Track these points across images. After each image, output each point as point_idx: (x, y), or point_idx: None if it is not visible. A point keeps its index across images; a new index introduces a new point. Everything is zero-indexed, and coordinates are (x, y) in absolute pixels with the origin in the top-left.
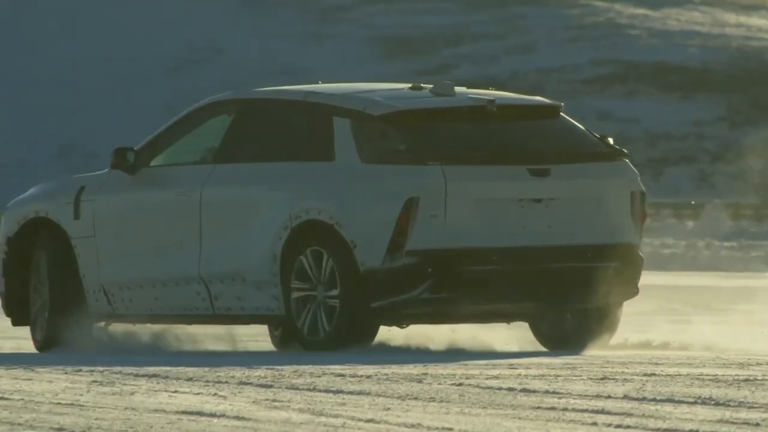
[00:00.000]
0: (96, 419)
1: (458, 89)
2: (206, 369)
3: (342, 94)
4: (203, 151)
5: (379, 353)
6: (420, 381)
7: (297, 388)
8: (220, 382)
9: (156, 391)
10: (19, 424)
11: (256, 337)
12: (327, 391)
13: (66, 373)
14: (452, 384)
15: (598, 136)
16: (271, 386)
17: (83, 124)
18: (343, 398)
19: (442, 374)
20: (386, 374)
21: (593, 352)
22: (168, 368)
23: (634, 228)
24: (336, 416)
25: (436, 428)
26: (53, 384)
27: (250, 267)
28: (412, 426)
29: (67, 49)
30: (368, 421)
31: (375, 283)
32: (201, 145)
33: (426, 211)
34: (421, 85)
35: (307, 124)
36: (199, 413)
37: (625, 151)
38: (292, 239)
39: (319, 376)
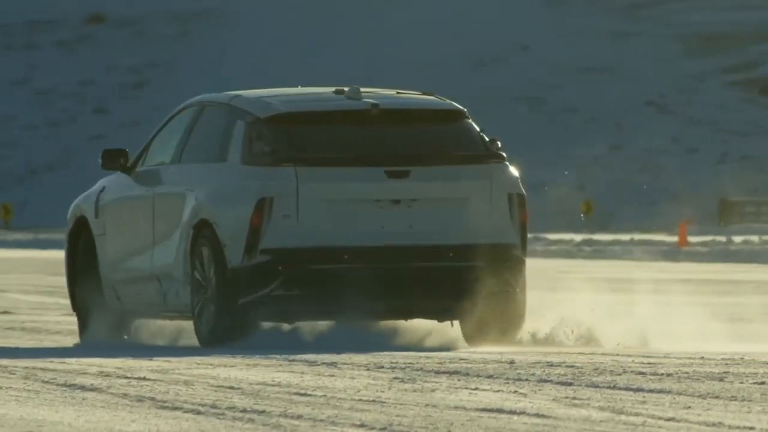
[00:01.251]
0: (397, 416)
1: (387, 93)
2: (506, 366)
3: (251, 97)
4: (173, 153)
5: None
6: (721, 379)
7: (597, 386)
8: (520, 379)
9: (456, 388)
10: (321, 420)
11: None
12: (627, 389)
13: (368, 369)
14: (754, 383)
15: (487, 139)
16: (571, 384)
17: None
18: (644, 396)
19: (744, 373)
20: (687, 372)
21: None
22: (468, 365)
23: (510, 229)
24: (636, 414)
25: (738, 427)
26: (355, 380)
27: (174, 265)
28: (713, 425)
29: (375, 47)
30: (668, 419)
31: (238, 281)
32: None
33: (279, 211)
34: (344, 89)
35: (223, 126)
36: (499, 410)
37: (504, 155)
38: (194, 238)
39: (620, 374)
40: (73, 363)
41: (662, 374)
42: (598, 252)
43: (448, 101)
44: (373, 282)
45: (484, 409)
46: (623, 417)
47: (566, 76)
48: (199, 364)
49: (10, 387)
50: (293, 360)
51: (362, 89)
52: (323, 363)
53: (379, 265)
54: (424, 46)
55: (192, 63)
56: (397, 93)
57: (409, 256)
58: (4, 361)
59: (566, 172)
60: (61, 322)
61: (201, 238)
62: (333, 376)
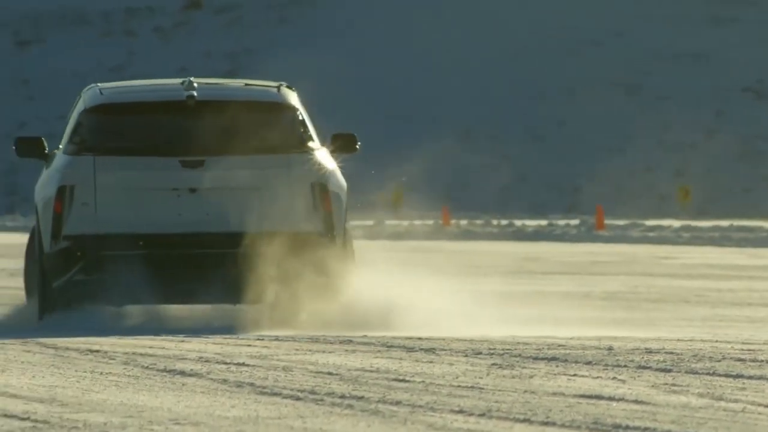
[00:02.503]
0: (495, 402)
1: (227, 83)
2: (605, 352)
3: (100, 88)
4: None
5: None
6: None
7: (696, 373)
8: (618, 365)
9: (555, 374)
10: (420, 407)
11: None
12: (726, 375)
13: (466, 356)
14: None
15: (309, 132)
16: (670, 370)
17: (485, 108)
18: (743, 383)
19: None
20: None
21: None
22: (567, 351)
23: (312, 217)
24: (735, 401)
25: None
26: (453, 367)
27: None
28: None
29: (470, 29)
30: None
31: (48, 265)
32: None
33: (79, 199)
34: (191, 80)
35: (71, 116)
36: (598, 397)
37: (313, 147)
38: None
39: (719, 361)
40: (173, 348)
41: (762, 361)
42: (696, 238)
43: (280, 94)
44: (166, 267)
45: (582, 396)
46: (722, 403)
47: (663, 61)
48: (297, 350)
49: (110, 372)
50: (391, 346)
51: (208, 80)
52: (421, 349)
53: (173, 251)
54: (519, 31)
55: (288, 50)
56: (246, 85)
57: (203, 242)
58: (105, 347)
59: (661, 158)
60: None
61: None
62: (431, 362)
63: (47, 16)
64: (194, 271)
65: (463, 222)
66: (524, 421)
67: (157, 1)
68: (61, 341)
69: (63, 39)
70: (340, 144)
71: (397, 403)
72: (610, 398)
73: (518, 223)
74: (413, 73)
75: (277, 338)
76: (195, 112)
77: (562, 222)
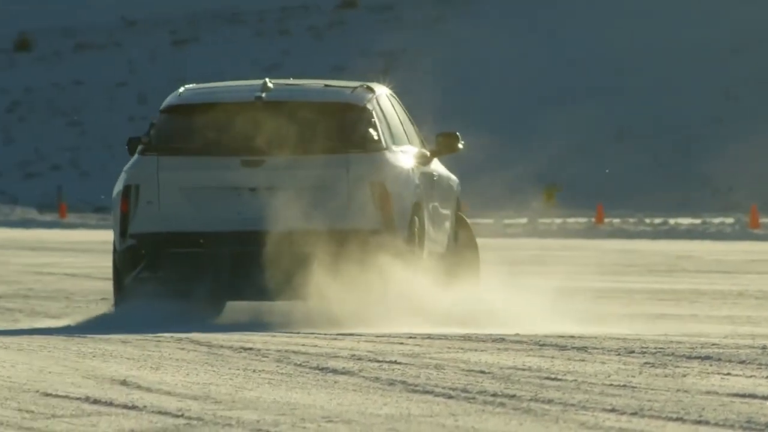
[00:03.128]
0: (648, 401)
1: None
2: (759, 351)
3: (185, 87)
4: None
5: None
6: None
7: None
8: None
9: (708, 373)
10: (572, 405)
11: None
12: None
13: (618, 354)
14: None
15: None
16: None
17: (639, 107)
18: None
19: None
20: None
21: None
22: (720, 351)
23: (370, 216)
24: None
25: None
26: (606, 365)
27: None
28: None
29: (630, 29)
30: None
31: (118, 262)
32: None
33: (144, 198)
34: (267, 81)
35: None
36: (752, 396)
37: (377, 146)
38: None
39: None
40: (325, 346)
41: None
42: None
43: (353, 95)
44: (226, 265)
45: (736, 395)
46: None
47: None
48: (449, 348)
49: (263, 370)
50: (543, 344)
51: (289, 81)
52: (573, 347)
53: (233, 248)
54: (677, 30)
55: (443, 48)
56: (325, 86)
57: (261, 240)
58: (258, 345)
59: None
60: None
61: None
62: (583, 360)
63: (203, 15)
64: (252, 268)
65: (617, 220)
66: (677, 420)
67: (312, 0)
68: (215, 339)
69: (218, 38)
70: (443, 143)
71: (549, 401)
72: (764, 397)
73: (672, 221)
74: (568, 71)
75: (429, 336)
76: (262, 113)
77: (716, 220)
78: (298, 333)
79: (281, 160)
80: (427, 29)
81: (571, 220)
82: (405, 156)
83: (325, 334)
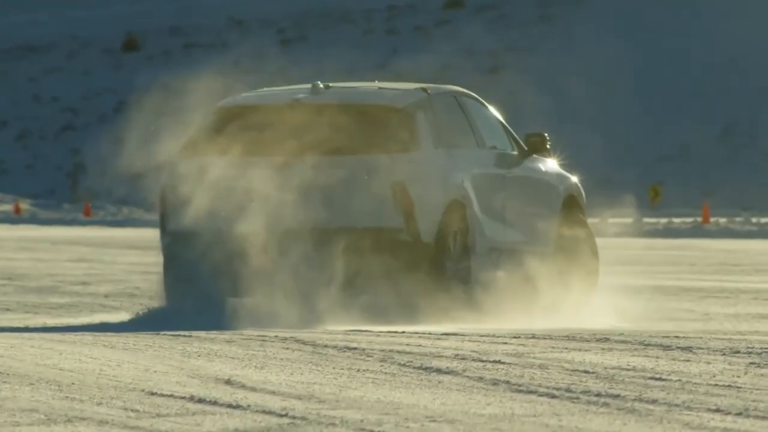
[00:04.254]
0: (753, 401)
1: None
2: None
3: (252, 91)
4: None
5: None
6: None
7: None
8: None
9: None
10: (676, 405)
11: None
12: None
13: (723, 354)
14: None
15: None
16: None
17: (746, 105)
18: None
19: None
20: None
21: None
22: None
23: (391, 215)
24: None
25: None
26: (711, 365)
27: None
28: None
29: (734, 29)
30: None
31: (163, 259)
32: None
33: (180, 197)
34: (318, 83)
35: None
36: None
37: (406, 148)
38: None
39: None
40: (429, 346)
41: None
42: None
43: (393, 96)
44: (255, 262)
45: None
46: None
47: None
48: (553, 347)
49: (368, 369)
50: (648, 344)
51: (347, 84)
52: (678, 347)
53: (263, 247)
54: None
55: (551, 48)
56: (379, 88)
57: (291, 239)
58: (362, 344)
59: None
60: None
61: None
62: (688, 360)
63: (310, 15)
64: (283, 265)
65: (723, 220)
66: None
67: (419, 0)
68: (319, 338)
69: (326, 37)
70: (531, 144)
71: (654, 401)
72: None
73: None
74: (675, 71)
75: (533, 336)
76: (298, 115)
77: None
78: (403, 333)
79: (307, 161)
80: (535, 28)
81: (677, 219)
82: (453, 157)
83: (430, 334)
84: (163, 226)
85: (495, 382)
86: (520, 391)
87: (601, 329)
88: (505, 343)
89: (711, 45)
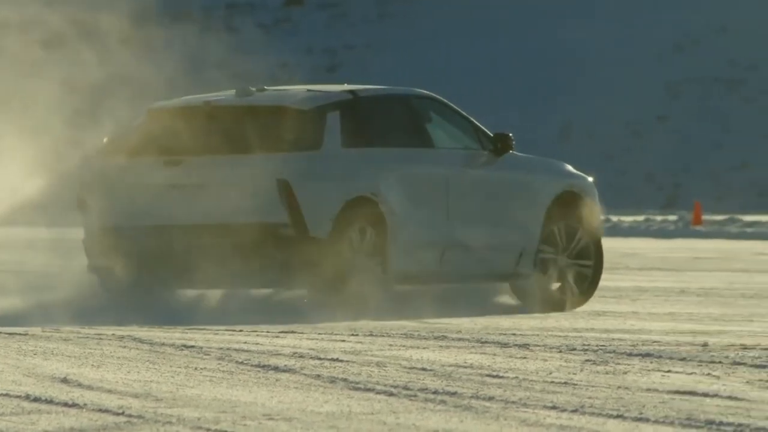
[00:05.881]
0: (588, 398)
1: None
2: (699, 349)
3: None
4: None
5: None
6: None
7: None
8: (713, 362)
9: (649, 370)
10: (513, 402)
11: None
12: None
13: (560, 351)
14: None
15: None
16: (765, 366)
17: (584, 105)
18: None
19: None
20: None
21: None
22: (661, 348)
23: (277, 210)
24: None
25: None
26: (547, 363)
27: None
28: None
29: (579, 29)
30: None
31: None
32: None
33: (99, 196)
34: (250, 88)
35: None
36: (692, 393)
37: (288, 147)
38: None
39: None
40: (267, 344)
41: None
42: None
43: (302, 98)
44: (156, 256)
45: (676, 392)
46: None
47: (765, 56)
48: (391, 345)
49: (205, 368)
50: (485, 341)
51: (276, 88)
52: (515, 345)
53: (159, 241)
54: (622, 29)
55: (389, 46)
56: (307, 90)
57: (181, 234)
58: (199, 342)
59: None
60: None
61: None
62: (525, 357)
63: (148, 12)
64: (179, 259)
65: None
66: (617, 417)
67: None
68: (156, 336)
69: (163, 35)
70: (499, 143)
71: (490, 398)
72: (704, 394)
73: (615, 218)
74: (513, 68)
75: (371, 334)
76: (208, 118)
77: (659, 218)
78: (240, 331)
79: (203, 161)
80: (374, 26)
81: None
82: (370, 156)
83: (267, 332)
84: (83, 222)
85: (332, 380)
86: (357, 389)
87: (440, 327)
88: (343, 340)
89: (549, 43)
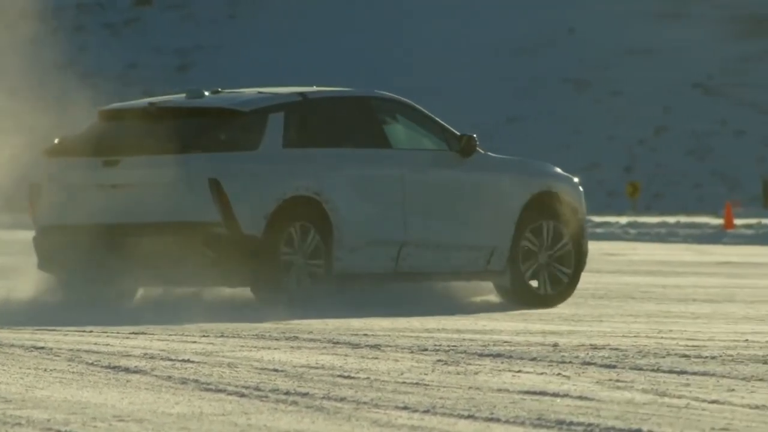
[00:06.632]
0: (440, 398)
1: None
2: (550, 349)
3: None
4: None
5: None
6: (765, 362)
7: (640, 369)
8: (564, 362)
9: (500, 371)
10: (364, 403)
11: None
12: (671, 371)
13: (411, 352)
14: None
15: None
16: (614, 366)
17: (432, 108)
18: (687, 379)
19: None
20: (731, 355)
21: None
22: (512, 348)
23: (210, 209)
24: (680, 397)
25: None
26: (399, 363)
27: None
28: (757, 407)
29: (425, 29)
30: (712, 402)
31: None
32: None
33: (46, 195)
34: (202, 90)
35: None
36: (542, 393)
37: (214, 146)
38: None
39: (663, 357)
40: (118, 345)
41: (706, 357)
42: (644, 234)
43: (242, 100)
44: (92, 253)
45: (527, 392)
46: (666, 399)
47: (613, 58)
48: (242, 346)
49: (55, 369)
50: (337, 342)
51: (231, 90)
52: (367, 345)
53: (96, 239)
54: (472, 31)
55: (238, 45)
56: (259, 92)
57: (117, 232)
58: (49, 343)
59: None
60: None
61: None
62: (376, 358)
63: None
64: (116, 258)
65: None
66: (468, 417)
67: None
68: (5, 338)
69: (8, 33)
70: (465, 144)
71: (342, 399)
72: (555, 394)
73: None
74: (355, 69)
75: (222, 335)
76: (150, 119)
77: None
78: (91, 332)
79: (132, 160)
80: (223, 26)
81: None
82: (314, 156)
83: (118, 333)
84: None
85: (184, 381)
86: (209, 390)
87: (291, 327)
88: (195, 342)
89: (394, 43)
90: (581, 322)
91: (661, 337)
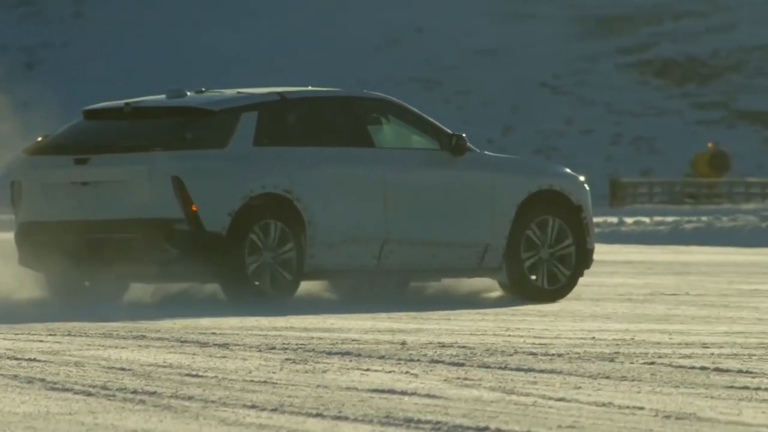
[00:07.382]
0: (288, 397)
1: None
2: (398, 347)
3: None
4: None
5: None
6: (612, 360)
7: (488, 367)
8: (412, 360)
9: (348, 369)
10: (212, 402)
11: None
12: (518, 369)
13: (260, 351)
14: (644, 363)
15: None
16: (462, 364)
17: None
18: (535, 377)
19: (634, 353)
20: (578, 353)
21: None
22: (360, 346)
23: (172, 206)
24: (527, 395)
25: (628, 407)
26: (247, 362)
27: None
28: (603, 405)
29: (273, 28)
30: (559, 399)
31: None
32: None
33: (25, 193)
34: (186, 91)
35: None
36: (390, 391)
37: (182, 144)
38: None
39: (511, 355)
40: None
41: (553, 355)
42: None
43: (209, 100)
44: (66, 249)
45: (375, 390)
46: (514, 397)
47: (462, 57)
48: (90, 345)
49: None
50: (185, 341)
51: (213, 90)
52: (215, 344)
53: (69, 235)
54: (321, 31)
55: (84, 43)
56: (237, 92)
57: (93, 228)
58: None
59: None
60: None
61: None
62: (224, 357)
63: None
64: (84, 254)
65: None
66: (317, 416)
67: None
68: None
69: None
70: (455, 143)
71: (190, 398)
72: (403, 392)
73: None
74: (192, 68)
75: (69, 333)
76: (125, 118)
77: None
78: None
79: (100, 158)
80: (70, 24)
81: None
82: (286, 154)
83: None
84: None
85: (30, 380)
86: (55, 389)
87: (139, 326)
88: (41, 341)
89: (242, 42)
90: (429, 320)
91: (509, 335)
